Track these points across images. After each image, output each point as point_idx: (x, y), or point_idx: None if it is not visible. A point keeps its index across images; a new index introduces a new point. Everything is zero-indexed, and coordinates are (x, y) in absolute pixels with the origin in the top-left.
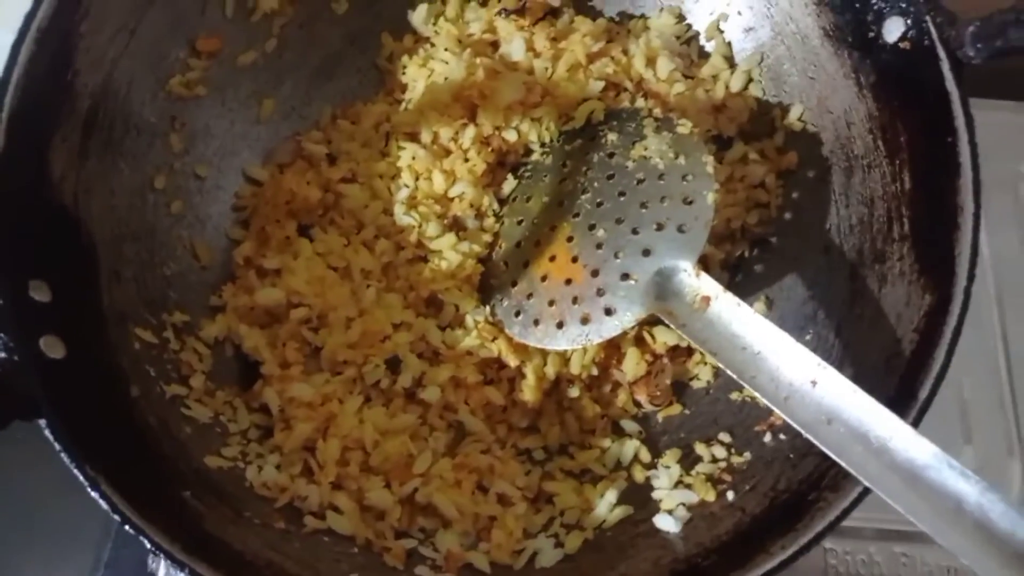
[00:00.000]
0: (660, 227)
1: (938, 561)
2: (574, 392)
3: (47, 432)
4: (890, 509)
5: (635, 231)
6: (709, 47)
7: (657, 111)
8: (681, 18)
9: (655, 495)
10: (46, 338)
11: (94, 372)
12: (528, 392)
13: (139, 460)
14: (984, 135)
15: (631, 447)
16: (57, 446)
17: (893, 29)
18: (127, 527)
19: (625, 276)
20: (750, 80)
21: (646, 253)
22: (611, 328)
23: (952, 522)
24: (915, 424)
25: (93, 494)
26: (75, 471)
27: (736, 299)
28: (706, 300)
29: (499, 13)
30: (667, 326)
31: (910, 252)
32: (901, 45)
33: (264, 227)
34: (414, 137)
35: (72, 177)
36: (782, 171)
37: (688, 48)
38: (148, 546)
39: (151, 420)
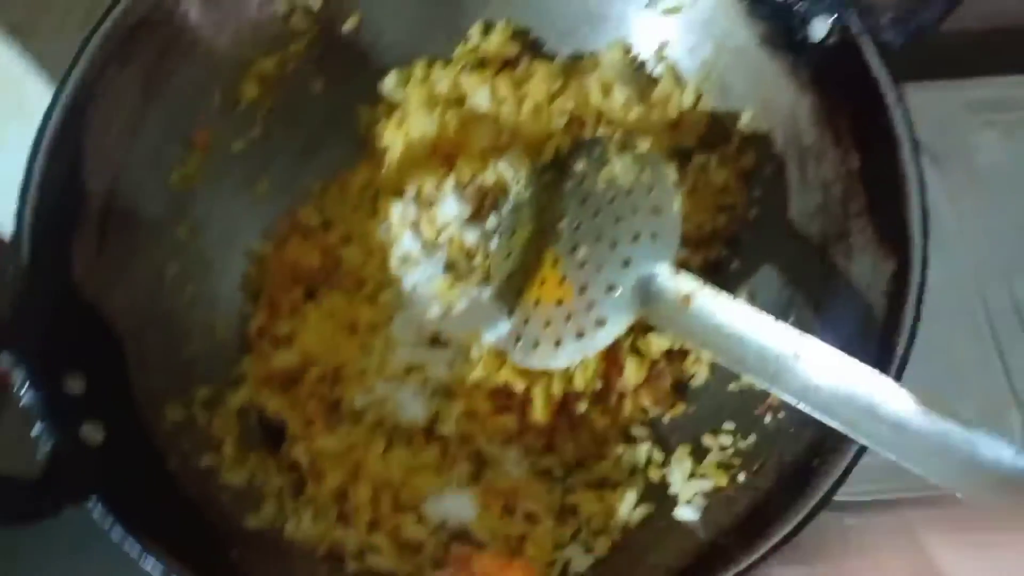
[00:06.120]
0: (636, 237)
1: None
2: (582, 407)
3: (94, 513)
4: (905, 478)
5: (613, 245)
6: (658, 71)
7: (617, 136)
8: (628, 50)
9: (672, 490)
10: (87, 425)
11: (132, 452)
12: (539, 413)
13: (184, 527)
14: (935, 113)
15: (643, 450)
16: (107, 523)
17: (819, 28)
18: None
19: (611, 288)
20: (700, 95)
21: (626, 263)
22: (605, 338)
23: (943, 460)
24: (897, 378)
25: (146, 563)
26: (126, 544)
27: (714, 290)
28: (687, 298)
29: (462, 69)
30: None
31: (868, 225)
32: (828, 41)
33: (272, 297)
34: (399, 194)
35: (93, 276)
36: (742, 172)
37: (639, 75)
38: None
39: (190, 490)
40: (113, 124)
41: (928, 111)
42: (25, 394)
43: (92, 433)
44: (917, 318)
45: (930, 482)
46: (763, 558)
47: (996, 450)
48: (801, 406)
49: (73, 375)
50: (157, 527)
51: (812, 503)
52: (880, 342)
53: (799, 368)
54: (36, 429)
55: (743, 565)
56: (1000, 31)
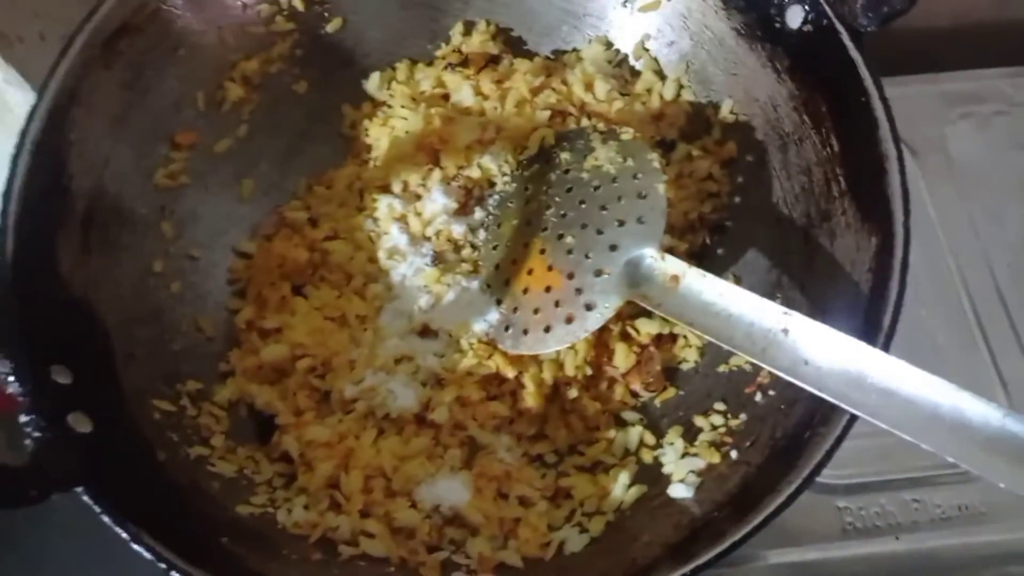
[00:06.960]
0: (622, 223)
1: (947, 500)
2: (573, 393)
3: (86, 498)
4: (894, 460)
5: (600, 231)
6: (639, 65)
7: (601, 126)
8: (609, 45)
9: (665, 470)
10: (73, 415)
11: (121, 442)
12: (530, 400)
13: (174, 515)
14: (912, 105)
15: (635, 434)
16: (97, 509)
17: (794, 17)
18: (173, 572)
19: (599, 272)
20: (681, 87)
21: (613, 248)
22: (594, 321)
23: (932, 424)
24: (884, 349)
25: (136, 547)
26: (116, 528)
27: (701, 271)
28: (675, 278)
29: (445, 68)
30: (649, 317)
31: (851, 205)
32: (804, 29)
33: (260, 292)
34: (386, 189)
35: (79, 271)
36: (724, 161)
37: (620, 69)
38: None
39: (180, 480)
40: (96, 126)
41: (905, 105)
42: (10, 384)
43: (79, 423)
44: (902, 291)
45: (918, 463)
46: (757, 529)
47: (984, 411)
48: (791, 380)
49: (59, 366)
50: (145, 514)
51: (804, 474)
52: (866, 316)
53: (788, 343)
54: (23, 418)
55: (737, 537)
56: (971, 26)
